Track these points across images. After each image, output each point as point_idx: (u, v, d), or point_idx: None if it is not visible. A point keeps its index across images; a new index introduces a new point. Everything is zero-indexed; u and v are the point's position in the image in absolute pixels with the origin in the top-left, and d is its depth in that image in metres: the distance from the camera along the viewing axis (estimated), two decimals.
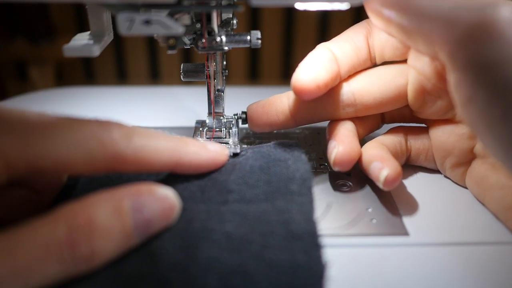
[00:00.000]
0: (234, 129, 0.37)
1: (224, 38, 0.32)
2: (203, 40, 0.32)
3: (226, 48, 0.32)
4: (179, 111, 0.48)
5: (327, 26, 1.31)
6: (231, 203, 0.27)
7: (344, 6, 0.29)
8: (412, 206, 0.32)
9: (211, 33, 0.31)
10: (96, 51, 0.28)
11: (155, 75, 1.41)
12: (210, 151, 0.29)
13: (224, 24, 0.33)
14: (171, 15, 0.29)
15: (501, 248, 0.28)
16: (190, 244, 0.24)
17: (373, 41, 0.33)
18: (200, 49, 0.32)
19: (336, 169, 0.31)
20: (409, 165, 0.36)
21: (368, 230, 0.29)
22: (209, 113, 0.37)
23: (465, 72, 0.25)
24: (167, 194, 0.25)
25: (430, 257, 0.27)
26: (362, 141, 0.35)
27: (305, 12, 1.22)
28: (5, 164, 0.22)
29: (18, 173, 0.23)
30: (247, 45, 0.33)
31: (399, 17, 0.28)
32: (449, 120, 0.34)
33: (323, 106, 0.34)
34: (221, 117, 0.37)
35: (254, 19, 1.31)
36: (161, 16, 0.27)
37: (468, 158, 0.33)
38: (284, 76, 1.40)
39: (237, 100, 0.42)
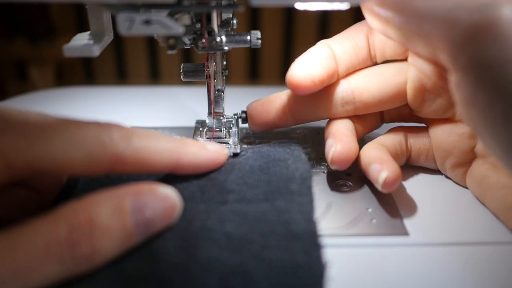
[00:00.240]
0: (234, 129, 0.37)
1: (224, 38, 0.32)
2: (203, 40, 0.32)
3: (226, 48, 0.32)
4: (179, 111, 0.48)
5: (327, 26, 1.31)
6: (231, 203, 0.27)
7: (344, 6, 0.29)
8: (412, 206, 0.32)
9: (211, 33, 0.31)
10: (96, 51, 0.28)
11: (155, 75, 1.41)
12: (210, 151, 0.29)
13: (224, 24, 0.33)
14: (171, 15, 0.29)
15: (501, 248, 0.28)
16: (190, 244, 0.24)
17: (373, 40, 0.33)
18: (200, 49, 0.32)
19: (333, 167, 0.31)
20: (409, 165, 0.36)
21: (368, 230, 0.29)
22: (209, 113, 0.37)
23: (466, 72, 0.25)
24: (169, 194, 0.25)
25: (430, 257, 0.27)
26: (362, 141, 0.35)
27: (305, 12, 1.22)
28: (6, 164, 0.22)
29: (18, 173, 0.23)
30: (247, 45, 0.33)
31: (397, 18, 0.28)
32: (449, 119, 0.34)
33: (322, 104, 0.34)
34: (221, 117, 0.37)
35: (254, 19, 1.31)
36: (161, 16, 0.27)
37: (468, 158, 0.33)
38: (284, 76, 1.39)
39: (237, 100, 0.42)
